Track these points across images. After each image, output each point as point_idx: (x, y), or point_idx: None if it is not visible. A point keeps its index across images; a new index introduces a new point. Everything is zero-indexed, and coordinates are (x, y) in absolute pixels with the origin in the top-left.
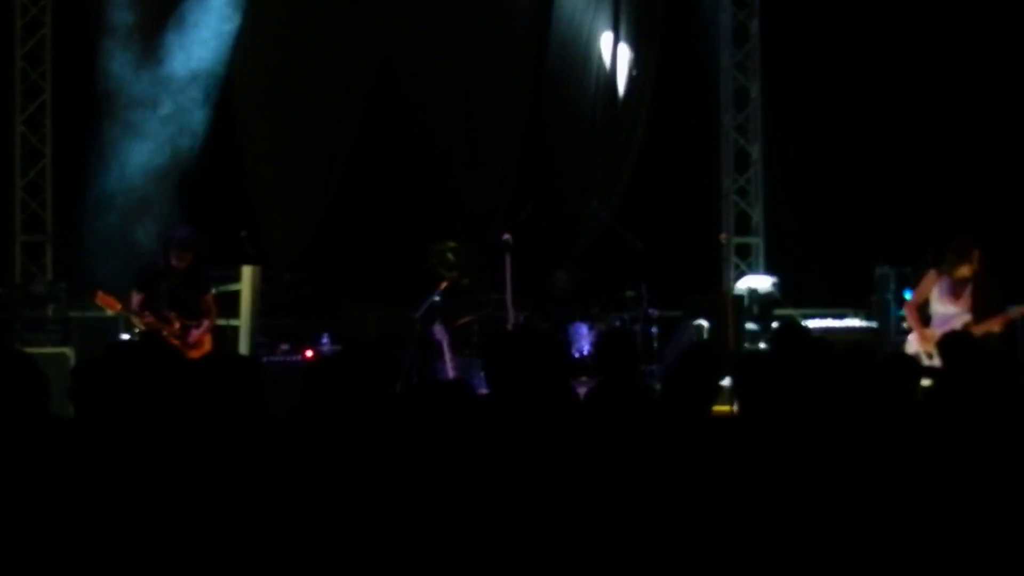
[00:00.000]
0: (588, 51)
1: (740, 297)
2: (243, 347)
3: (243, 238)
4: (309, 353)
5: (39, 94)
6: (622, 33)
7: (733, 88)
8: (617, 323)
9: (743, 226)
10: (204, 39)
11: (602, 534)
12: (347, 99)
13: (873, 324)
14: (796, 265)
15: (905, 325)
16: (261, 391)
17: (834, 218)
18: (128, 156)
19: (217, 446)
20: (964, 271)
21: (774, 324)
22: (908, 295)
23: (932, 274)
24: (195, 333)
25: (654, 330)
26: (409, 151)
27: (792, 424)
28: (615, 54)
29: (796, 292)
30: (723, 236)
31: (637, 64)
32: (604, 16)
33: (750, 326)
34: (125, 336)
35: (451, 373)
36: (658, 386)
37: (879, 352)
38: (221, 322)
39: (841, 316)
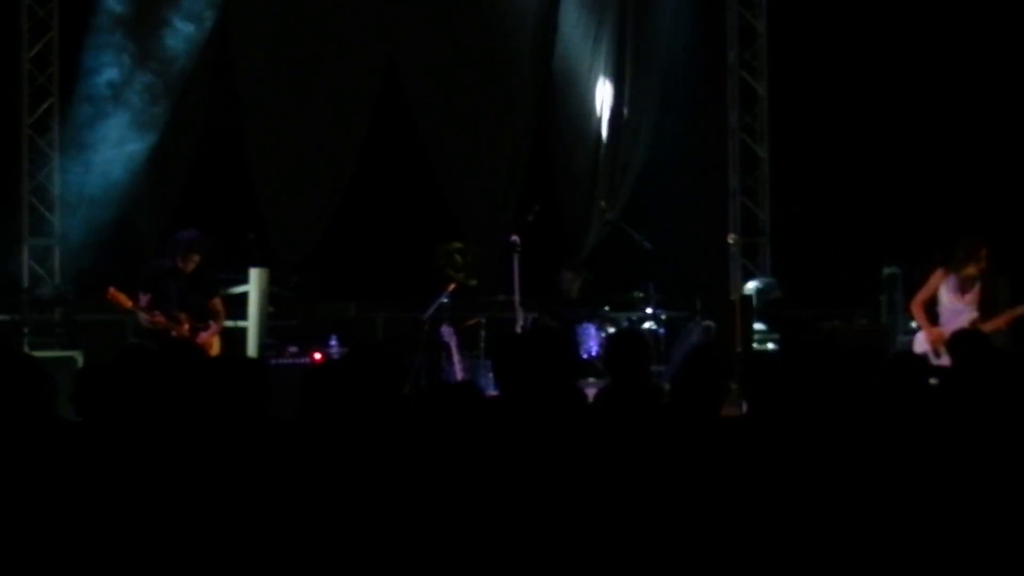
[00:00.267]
0: (595, 52)
1: (748, 297)
2: (251, 349)
3: (251, 240)
4: (317, 355)
5: (47, 97)
6: (628, 34)
7: (740, 88)
8: (625, 324)
9: (750, 226)
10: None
11: (611, 535)
12: (354, 101)
13: (881, 324)
14: (803, 265)
15: (913, 324)
16: (269, 394)
17: (842, 217)
18: (95, 151)
19: (224, 449)
20: (972, 270)
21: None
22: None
23: (939, 272)
24: (203, 335)
25: (661, 331)
26: (416, 152)
27: (800, 425)
28: (621, 54)
29: (803, 292)
30: (731, 237)
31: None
32: (610, 18)
33: (758, 326)
34: (134, 340)
35: (459, 375)
36: (667, 387)
37: (887, 351)
38: (229, 324)
39: (849, 316)
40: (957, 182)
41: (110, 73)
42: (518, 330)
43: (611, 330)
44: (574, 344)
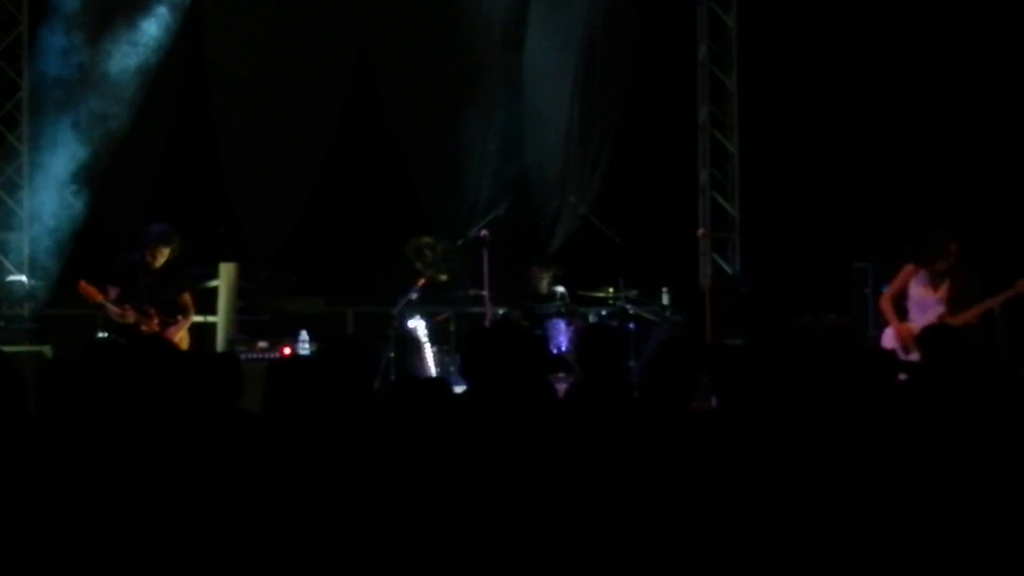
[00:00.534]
0: (565, 47)
1: (717, 292)
2: (220, 344)
3: (221, 234)
4: (287, 350)
5: (16, 91)
6: (598, 28)
7: (710, 82)
8: (592, 318)
9: (720, 221)
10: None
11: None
12: (325, 94)
13: (851, 319)
14: (773, 259)
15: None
16: (240, 388)
17: (812, 212)
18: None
19: (196, 443)
20: (942, 265)
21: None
22: (885, 289)
23: (909, 267)
24: (172, 330)
25: (631, 325)
26: (387, 147)
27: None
28: (591, 50)
29: (773, 287)
30: (701, 231)
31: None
32: (580, 13)
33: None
34: (102, 335)
35: (429, 369)
36: (637, 382)
37: (856, 347)
38: (199, 319)
39: (818, 311)
40: (928, 177)
41: (74, 65)
42: (487, 325)
43: (580, 325)
44: (542, 339)
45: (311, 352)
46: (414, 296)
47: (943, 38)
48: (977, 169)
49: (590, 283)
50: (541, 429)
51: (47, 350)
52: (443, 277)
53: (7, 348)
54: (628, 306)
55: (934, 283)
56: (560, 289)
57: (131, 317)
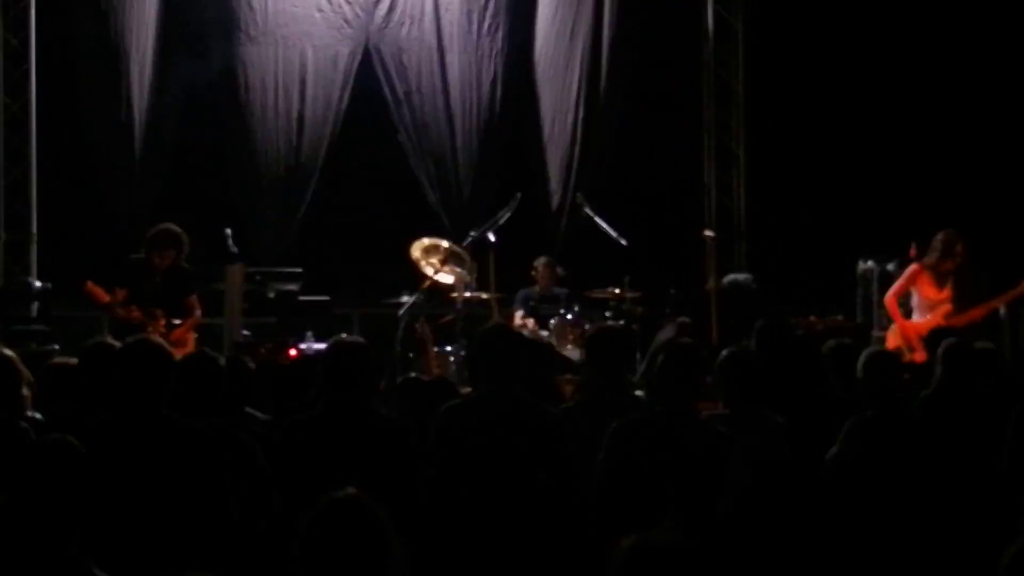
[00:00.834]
0: (572, 46)
1: (723, 293)
2: (227, 346)
3: (227, 236)
4: (293, 352)
5: (23, 94)
6: (604, 28)
7: (716, 84)
8: (598, 319)
9: (725, 222)
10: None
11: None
12: (329, 94)
13: (857, 319)
14: (779, 261)
15: (887, 319)
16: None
17: (817, 213)
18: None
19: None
20: (948, 264)
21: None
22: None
23: (915, 267)
24: (179, 332)
25: (635, 325)
26: (392, 146)
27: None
28: (598, 48)
29: (779, 287)
30: (707, 232)
31: (618, 60)
32: (587, 13)
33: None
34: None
35: (435, 371)
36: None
37: (861, 348)
38: (205, 320)
39: (824, 311)
40: (933, 177)
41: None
42: (492, 326)
43: (587, 326)
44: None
45: (315, 352)
46: (420, 297)
47: (948, 40)
48: (982, 170)
49: (596, 283)
50: (548, 430)
51: (54, 351)
52: (449, 279)
53: (14, 350)
54: (634, 306)
55: (940, 283)
56: (563, 290)
57: (137, 319)
